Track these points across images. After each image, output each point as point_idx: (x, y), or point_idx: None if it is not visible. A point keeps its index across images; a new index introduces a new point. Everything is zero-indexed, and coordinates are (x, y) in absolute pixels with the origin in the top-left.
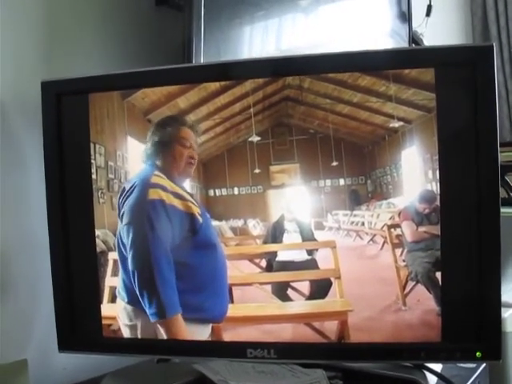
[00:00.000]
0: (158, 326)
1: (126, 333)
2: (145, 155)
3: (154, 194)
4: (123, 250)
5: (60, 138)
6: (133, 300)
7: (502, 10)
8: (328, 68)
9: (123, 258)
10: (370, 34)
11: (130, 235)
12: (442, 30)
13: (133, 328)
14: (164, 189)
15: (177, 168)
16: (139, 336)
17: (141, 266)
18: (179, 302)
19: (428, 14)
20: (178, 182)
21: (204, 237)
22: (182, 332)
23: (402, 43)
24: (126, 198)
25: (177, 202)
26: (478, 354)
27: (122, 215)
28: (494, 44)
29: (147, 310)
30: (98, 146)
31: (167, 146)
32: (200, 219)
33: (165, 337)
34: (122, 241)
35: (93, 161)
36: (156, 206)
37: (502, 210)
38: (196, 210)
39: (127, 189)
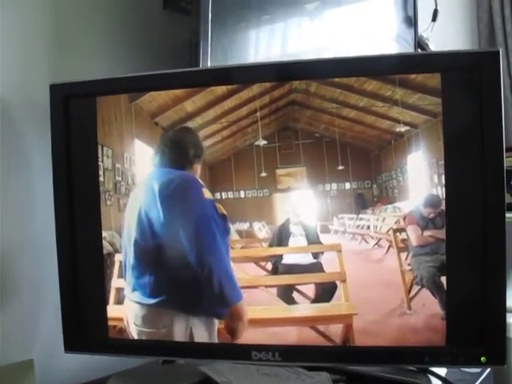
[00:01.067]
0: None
1: (145, 338)
2: (167, 158)
3: (207, 194)
4: (156, 249)
5: (68, 141)
6: (168, 301)
7: (508, 16)
8: (334, 72)
9: (156, 258)
10: (376, 39)
11: (191, 233)
12: (447, 35)
13: (155, 333)
14: (208, 190)
15: (197, 175)
16: (165, 338)
17: (211, 260)
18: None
19: (434, 19)
20: None
21: (228, 238)
22: (245, 318)
23: (408, 48)
24: (177, 197)
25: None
26: (482, 358)
27: (178, 214)
28: (501, 49)
29: (216, 305)
30: (105, 149)
31: (199, 156)
32: (228, 221)
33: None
34: (158, 240)
35: (100, 163)
36: (211, 204)
37: (507, 215)
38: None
39: (172, 186)
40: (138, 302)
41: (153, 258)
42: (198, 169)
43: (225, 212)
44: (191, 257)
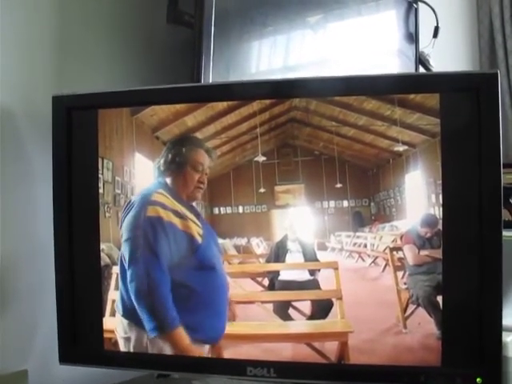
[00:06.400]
0: (160, 341)
1: (121, 345)
2: (156, 171)
3: (152, 212)
4: (124, 263)
5: (69, 152)
6: (127, 313)
7: (509, 33)
8: (334, 91)
9: (123, 272)
10: (377, 54)
11: (129, 251)
12: (448, 51)
13: (127, 340)
14: (163, 206)
15: (185, 189)
16: (132, 349)
17: (139, 281)
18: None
19: (435, 35)
20: (182, 202)
21: (202, 258)
22: (185, 344)
23: (409, 63)
24: (126, 214)
25: (176, 221)
26: (478, 379)
27: (122, 232)
28: (502, 66)
29: (146, 326)
30: (105, 161)
31: (179, 166)
32: (199, 240)
33: (166, 351)
34: (123, 255)
35: (100, 175)
36: (153, 223)
37: (505, 233)
38: (196, 230)
39: (129, 204)
40: (117, 310)
41: (120, 271)
42: (183, 179)
43: (191, 231)
44: (128, 275)
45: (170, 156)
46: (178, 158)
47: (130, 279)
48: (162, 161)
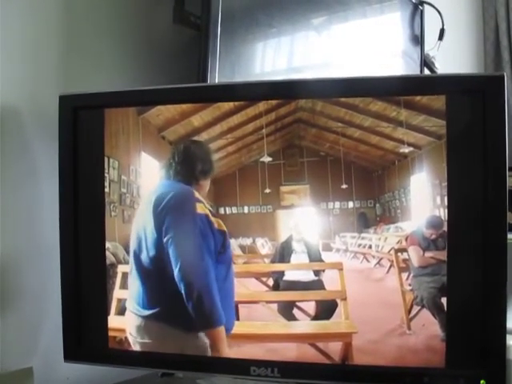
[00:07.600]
0: (204, 336)
1: (138, 348)
2: (174, 171)
3: (200, 209)
4: (150, 262)
5: (75, 151)
6: (159, 314)
7: None
8: (341, 92)
9: (141, 271)
10: (382, 56)
11: (178, 247)
12: (454, 53)
13: (148, 344)
14: (205, 205)
15: (204, 190)
16: (154, 350)
17: (193, 277)
18: None
19: (441, 37)
20: (206, 201)
21: (229, 254)
22: (224, 343)
23: (414, 66)
24: (167, 211)
25: (213, 219)
26: (482, 381)
27: (167, 228)
28: (507, 68)
29: (198, 323)
30: (112, 160)
31: (206, 174)
32: (228, 237)
33: (208, 351)
34: (152, 253)
35: (106, 174)
36: (204, 220)
37: (510, 236)
38: (225, 228)
39: (165, 200)
40: (135, 313)
41: (148, 270)
42: (205, 186)
43: (224, 228)
44: (175, 272)
45: (192, 159)
46: (204, 163)
47: (181, 277)
48: (188, 164)
